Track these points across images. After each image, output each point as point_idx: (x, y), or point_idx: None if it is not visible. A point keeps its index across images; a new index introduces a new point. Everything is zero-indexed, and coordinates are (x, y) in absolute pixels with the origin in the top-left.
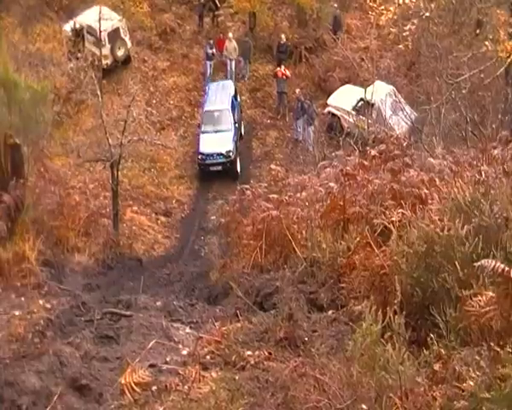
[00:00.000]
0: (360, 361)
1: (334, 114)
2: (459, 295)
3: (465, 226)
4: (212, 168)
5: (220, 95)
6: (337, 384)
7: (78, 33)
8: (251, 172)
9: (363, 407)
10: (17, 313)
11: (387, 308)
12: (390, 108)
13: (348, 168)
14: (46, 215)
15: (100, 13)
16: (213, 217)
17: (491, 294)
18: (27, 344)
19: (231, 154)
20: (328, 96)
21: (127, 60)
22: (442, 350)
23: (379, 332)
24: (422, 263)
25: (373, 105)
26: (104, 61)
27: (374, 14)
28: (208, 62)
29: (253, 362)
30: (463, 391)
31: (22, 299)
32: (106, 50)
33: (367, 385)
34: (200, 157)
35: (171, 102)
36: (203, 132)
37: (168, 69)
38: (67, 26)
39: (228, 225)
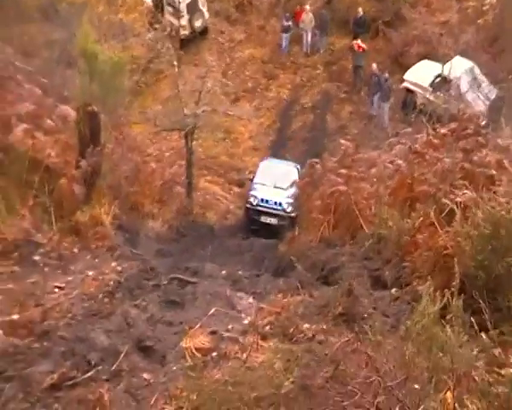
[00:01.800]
0: (416, 341)
1: (409, 90)
2: None
3: None
4: (263, 219)
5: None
6: (389, 362)
7: (158, 4)
8: (324, 145)
9: (415, 386)
10: (90, 273)
11: (448, 290)
12: (469, 84)
13: (417, 146)
14: (123, 181)
15: None
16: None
17: None
18: (98, 303)
19: (291, 210)
20: (405, 71)
21: (205, 31)
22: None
23: (437, 313)
24: (487, 246)
25: (451, 81)
26: (182, 32)
27: None
28: (284, 35)
29: (310, 335)
30: None
31: (96, 260)
32: (184, 21)
33: (420, 365)
34: (250, 200)
35: (247, 73)
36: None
37: (245, 41)
38: None
39: (298, 198)
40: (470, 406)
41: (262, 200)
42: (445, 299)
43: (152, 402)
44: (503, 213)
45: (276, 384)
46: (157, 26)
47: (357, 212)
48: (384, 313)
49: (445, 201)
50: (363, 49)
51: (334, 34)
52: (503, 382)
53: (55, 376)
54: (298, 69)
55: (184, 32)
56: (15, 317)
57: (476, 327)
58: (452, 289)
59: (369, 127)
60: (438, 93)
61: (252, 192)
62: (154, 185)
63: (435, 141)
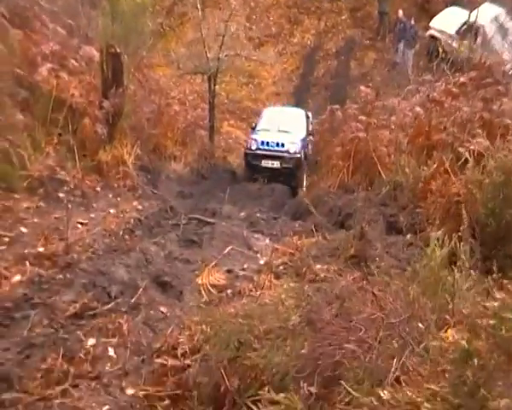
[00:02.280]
0: (422, 283)
1: (435, 38)
2: None
3: None
4: (264, 163)
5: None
6: (395, 301)
7: None
8: (347, 92)
9: (419, 324)
10: (112, 211)
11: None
12: (496, 31)
13: (435, 94)
14: (145, 123)
15: None
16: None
17: None
18: (118, 240)
19: (295, 151)
20: (432, 18)
21: None
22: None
23: (445, 257)
24: (498, 194)
25: (478, 28)
26: None
27: None
28: None
29: (322, 275)
30: None
31: (118, 199)
32: None
33: (425, 306)
34: (250, 145)
35: (271, 18)
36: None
37: None
38: None
39: (318, 144)
40: (462, 341)
41: (262, 142)
42: (452, 243)
43: (168, 333)
44: None
45: (284, 319)
46: None
47: (376, 159)
48: (396, 257)
49: (459, 149)
50: None
51: None
52: (488, 314)
53: (78, 305)
54: (322, 14)
55: None
56: (41, 249)
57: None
58: (460, 234)
59: (393, 74)
60: (463, 40)
61: (252, 136)
62: (177, 128)
63: (454, 89)
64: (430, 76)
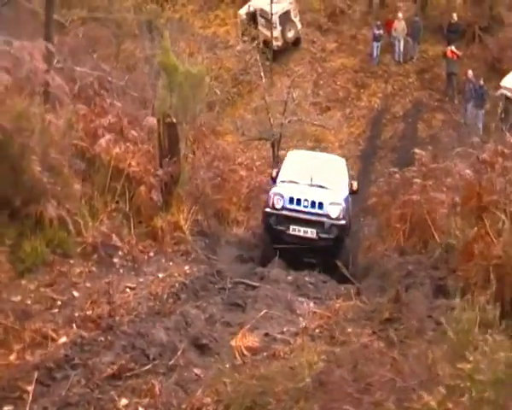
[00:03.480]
0: (449, 347)
1: (508, 98)
2: None
3: None
4: (293, 230)
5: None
6: (412, 365)
7: (251, 17)
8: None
9: (441, 389)
10: (160, 275)
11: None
12: None
13: (485, 155)
14: (208, 189)
15: None
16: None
17: None
18: (162, 303)
19: (339, 216)
20: (502, 77)
21: (297, 41)
22: None
23: (473, 321)
24: None
25: None
26: (275, 43)
27: None
28: (375, 44)
29: (354, 339)
30: None
31: (170, 263)
32: (277, 32)
33: (442, 369)
34: (272, 202)
35: (338, 83)
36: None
37: (336, 50)
38: (243, 10)
39: (376, 207)
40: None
41: (291, 200)
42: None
43: (198, 394)
44: None
45: (297, 380)
46: (245, 38)
47: (430, 221)
48: (436, 321)
49: (495, 211)
50: (458, 56)
51: (428, 41)
52: (463, 376)
53: (115, 367)
54: (389, 78)
55: (277, 43)
56: (88, 312)
57: None
58: (487, 296)
59: (462, 136)
60: None
61: (274, 190)
62: (241, 193)
63: (505, 150)
64: (476, 138)
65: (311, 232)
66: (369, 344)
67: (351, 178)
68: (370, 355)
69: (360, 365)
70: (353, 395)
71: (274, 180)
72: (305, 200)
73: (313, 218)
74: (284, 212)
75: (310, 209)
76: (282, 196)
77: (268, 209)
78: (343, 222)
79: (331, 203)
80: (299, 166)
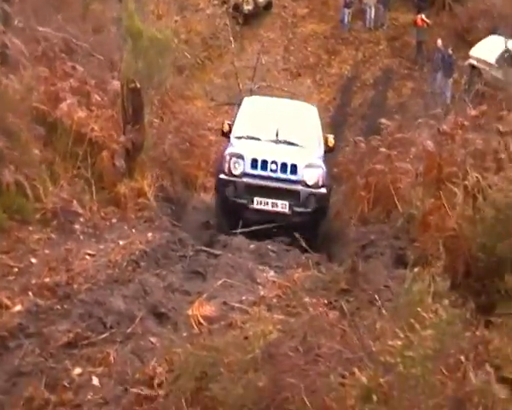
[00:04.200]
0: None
1: (474, 67)
2: None
3: None
4: (257, 203)
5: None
6: (361, 336)
7: None
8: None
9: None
10: (121, 242)
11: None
12: None
13: (445, 127)
14: (174, 154)
15: None
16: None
17: None
18: (121, 271)
19: (317, 182)
20: (471, 47)
21: (268, 6)
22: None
23: (424, 293)
24: (489, 229)
25: None
26: (246, 7)
27: None
28: (346, 10)
29: (310, 309)
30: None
31: (133, 231)
32: None
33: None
34: (228, 166)
35: (309, 49)
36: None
37: (307, 16)
38: None
39: (342, 175)
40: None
41: (254, 163)
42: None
43: (151, 364)
44: (501, 196)
45: (248, 351)
46: (215, 1)
47: (393, 191)
48: (392, 291)
49: (449, 185)
50: (427, 24)
51: (398, 9)
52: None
53: (71, 335)
54: (360, 45)
55: (248, 8)
56: (46, 280)
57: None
58: (437, 270)
59: (430, 104)
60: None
61: (231, 151)
62: (210, 158)
63: (465, 122)
64: (439, 109)
65: (282, 206)
66: (321, 315)
67: (324, 131)
68: (321, 326)
69: (310, 336)
70: (301, 366)
71: (226, 135)
72: (273, 162)
73: (284, 186)
74: (245, 179)
75: (279, 175)
76: (242, 158)
77: (222, 176)
78: (323, 190)
79: (308, 166)
80: (260, 116)
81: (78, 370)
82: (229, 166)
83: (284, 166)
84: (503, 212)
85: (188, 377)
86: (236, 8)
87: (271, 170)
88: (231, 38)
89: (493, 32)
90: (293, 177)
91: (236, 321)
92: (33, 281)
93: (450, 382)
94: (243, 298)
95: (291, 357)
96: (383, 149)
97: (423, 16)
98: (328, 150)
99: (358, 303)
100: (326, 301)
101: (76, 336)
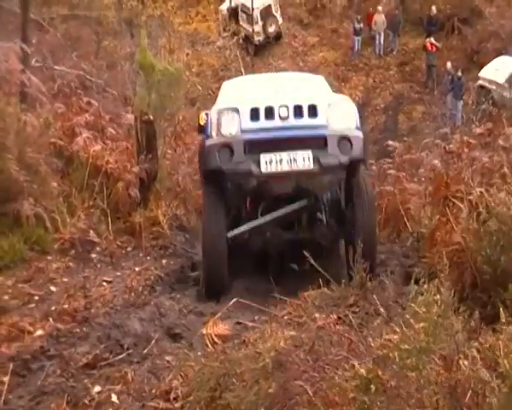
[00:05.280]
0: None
1: (484, 88)
2: None
3: None
4: (266, 164)
5: None
6: (367, 345)
7: (232, 12)
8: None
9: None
10: (137, 269)
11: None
12: None
13: (451, 145)
14: (190, 184)
15: None
16: None
17: None
18: (137, 295)
19: (352, 125)
20: (481, 69)
21: (278, 36)
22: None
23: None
24: (493, 242)
25: None
26: (256, 38)
27: None
28: (356, 38)
29: (320, 324)
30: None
31: (148, 258)
32: (258, 27)
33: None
34: (218, 127)
35: None
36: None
37: (317, 44)
38: (224, 6)
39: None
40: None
41: (255, 113)
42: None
43: (167, 380)
44: (504, 209)
45: (258, 362)
46: (225, 34)
47: (403, 211)
48: (402, 306)
49: (455, 201)
50: (437, 48)
51: (408, 34)
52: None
53: (90, 356)
54: (370, 71)
55: (258, 38)
56: (65, 306)
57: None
58: (441, 280)
59: (441, 127)
60: None
61: (220, 107)
62: None
63: (471, 141)
64: (445, 128)
65: (303, 158)
66: (329, 327)
67: None
68: (329, 337)
69: (318, 346)
70: (309, 372)
71: (204, 131)
72: (283, 106)
73: (303, 132)
74: (245, 135)
75: (293, 122)
76: (237, 111)
77: (210, 142)
78: (360, 133)
79: (333, 103)
80: (250, 89)
81: (97, 388)
82: (219, 126)
83: (299, 109)
84: (506, 225)
85: (202, 388)
86: (247, 39)
87: (281, 117)
88: (242, 69)
89: (502, 53)
90: (313, 121)
91: (249, 339)
92: (53, 307)
93: (442, 371)
94: (255, 318)
95: (299, 365)
96: (392, 171)
97: (433, 40)
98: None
99: (367, 317)
100: (335, 316)
101: (95, 357)
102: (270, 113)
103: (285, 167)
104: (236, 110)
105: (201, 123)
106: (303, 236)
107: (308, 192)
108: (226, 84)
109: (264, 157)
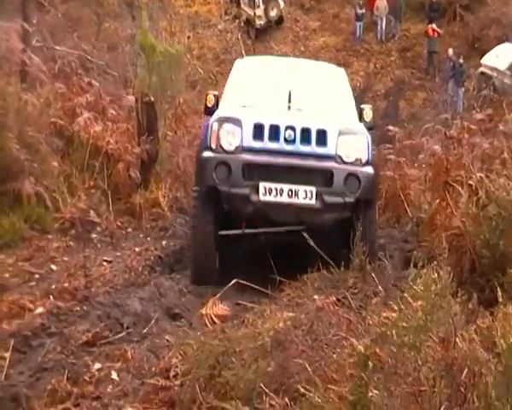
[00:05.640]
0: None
1: (484, 74)
2: None
3: None
4: (265, 193)
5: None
6: (365, 325)
7: None
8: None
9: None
10: (137, 249)
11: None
12: None
13: (452, 132)
14: (191, 167)
15: None
16: None
17: None
18: (137, 275)
19: (364, 160)
20: (483, 56)
21: (280, 20)
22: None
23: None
24: (492, 226)
25: None
26: (258, 22)
27: None
28: (358, 23)
29: (319, 305)
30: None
31: (148, 239)
32: (260, 11)
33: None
34: (218, 140)
35: None
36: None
37: (319, 29)
38: None
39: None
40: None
41: (258, 130)
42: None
43: (166, 358)
44: (503, 194)
45: (257, 340)
46: (227, 17)
47: (403, 196)
48: (401, 289)
49: (455, 186)
50: (438, 34)
51: (409, 20)
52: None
53: (90, 335)
54: (372, 56)
55: (260, 22)
56: (65, 285)
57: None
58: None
59: (441, 114)
60: None
61: (220, 116)
62: None
63: (472, 126)
64: (446, 114)
65: (305, 193)
66: (328, 308)
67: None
68: (328, 318)
69: (317, 326)
70: (307, 352)
71: (212, 112)
72: (289, 128)
73: (309, 163)
74: (245, 156)
75: (299, 147)
76: (239, 124)
77: (207, 154)
78: (370, 170)
79: (344, 132)
80: (261, 80)
81: (97, 365)
82: (219, 138)
83: (306, 133)
84: (506, 209)
85: (201, 366)
86: (248, 22)
87: (286, 140)
88: (243, 53)
89: (504, 40)
90: (320, 149)
91: (248, 319)
92: (53, 286)
93: (440, 349)
94: (255, 299)
95: (298, 344)
96: (393, 157)
97: (434, 26)
98: (368, 129)
99: (366, 298)
100: (334, 298)
101: (95, 335)
102: (275, 133)
103: (285, 199)
104: (239, 123)
105: (209, 105)
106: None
107: (308, 225)
108: (239, 64)
109: (264, 185)
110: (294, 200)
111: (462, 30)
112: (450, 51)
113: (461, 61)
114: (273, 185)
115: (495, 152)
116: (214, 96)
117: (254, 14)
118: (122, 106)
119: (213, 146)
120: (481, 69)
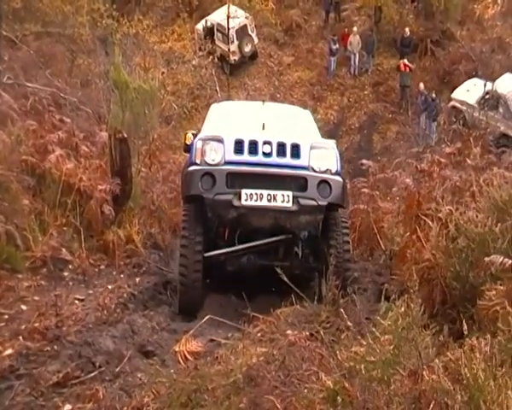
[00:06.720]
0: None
1: (455, 108)
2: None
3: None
4: (246, 198)
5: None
6: (337, 360)
7: (208, 31)
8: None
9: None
10: (110, 287)
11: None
12: None
13: (423, 165)
14: (165, 203)
15: (228, 11)
16: None
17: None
18: (110, 313)
19: (333, 169)
20: (453, 90)
21: (254, 55)
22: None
23: (397, 320)
24: (460, 258)
25: (499, 98)
26: (232, 57)
27: None
28: (331, 58)
29: (292, 340)
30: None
31: (121, 276)
32: (234, 47)
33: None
34: (202, 154)
35: (295, 96)
36: None
37: (293, 64)
38: (199, 25)
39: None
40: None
41: (239, 146)
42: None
43: (139, 397)
44: (472, 226)
45: (230, 377)
46: (201, 53)
47: (376, 230)
48: (374, 322)
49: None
50: (410, 69)
51: (382, 55)
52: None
53: (61, 375)
54: (345, 91)
55: (234, 58)
56: (35, 325)
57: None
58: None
59: (414, 146)
60: (485, 111)
61: (205, 135)
62: None
63: (442, 160)
64: (416, 148)
65: (282, 197)
66: (300, 343)
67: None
68: (300, 353)
69: (289, 361)
70: (279, 387)
71: (188, 150)
72: (266, 143)
73: (285, 171)
74: (228, 167)
75: (276, 159)
76: (221, 141)
77: (193, 168)
78: (339, 178)
79: (315, 146)
80: (237, 118)
81: (68, 407)
82: (203, 152)
83: (282, 147)
84: (474, 241)
85: (173, 404)
86: (222, 58)
87: (264, 153)
88: (217, 88)
89: (474, 74)
90: (295, 161)
91: (221, 355)
92: (23, 326)
93: (407, 382)
94: (229, 335)
95: (270, 380)
96: (367, 190)
97: (406, 61)
98: None
99: (338, 332)
100: (307, 333)
101: (65, 375)
102: (253, 147)
103: (264, 203)
104: (221, 140)
105: (187, 142)
106: (278, 264)
107: (285, 229)
108: (214, 107)
109: (245, 191)
110: (273, 203)
111: (434, 65)
112: (422, 86)
113: (433, 95)
114: (254, 191)
115: (465, 185)
116: (193, 134)
117: (229, 49)
118: (95, 142)
119: (198, 161)
120: (452, 103)
